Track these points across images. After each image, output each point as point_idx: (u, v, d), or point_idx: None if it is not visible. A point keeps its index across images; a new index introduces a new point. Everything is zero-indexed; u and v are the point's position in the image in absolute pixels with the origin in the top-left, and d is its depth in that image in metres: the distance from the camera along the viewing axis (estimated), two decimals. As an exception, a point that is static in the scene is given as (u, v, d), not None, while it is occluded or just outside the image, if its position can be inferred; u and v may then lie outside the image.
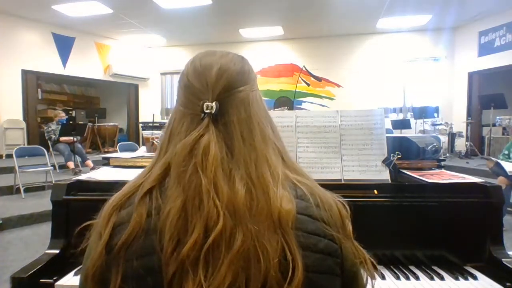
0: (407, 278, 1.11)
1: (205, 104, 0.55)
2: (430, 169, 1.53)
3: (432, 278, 1.10)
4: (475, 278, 1.10)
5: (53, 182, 4.70)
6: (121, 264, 0.51)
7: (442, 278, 1.10)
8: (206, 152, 0.52)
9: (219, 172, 0.52)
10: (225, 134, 0.56)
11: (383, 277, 1.12)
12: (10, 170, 5.31)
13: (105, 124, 9.05)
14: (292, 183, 0.57)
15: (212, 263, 0.49)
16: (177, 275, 0.49)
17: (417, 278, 1.11)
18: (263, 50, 9.09)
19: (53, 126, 6.57)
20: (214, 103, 0.55)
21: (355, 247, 0.57)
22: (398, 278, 1.11)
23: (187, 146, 0.54)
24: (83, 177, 1.40)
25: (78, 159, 6.38)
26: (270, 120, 0.63)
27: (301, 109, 8.57)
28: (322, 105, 8.98)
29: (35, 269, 1.10)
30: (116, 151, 6.73)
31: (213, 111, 0.55)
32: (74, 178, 1.38)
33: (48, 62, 7.89)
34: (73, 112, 10.39)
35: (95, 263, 0.53)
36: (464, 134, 7.64)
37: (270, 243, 0.49)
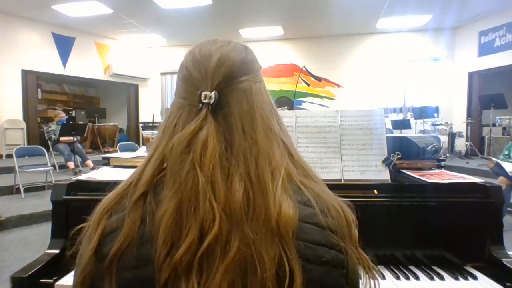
0: (407, 278, 1.11)
1: (203, 93, 0.51)
2: (430, 169, 1.53)
3: (432, 278, 1.10)
4: (475, 278, 1.10)
5: (53, 182, 4.70)
6: (114, 276, 0.48)
7: (442, 278, 1.10)
8: (205, 147, 0.48)
9: (217, 169, 0.48)
10: (225, 127, 0.52)
11: (383, 277, 1.12)
12: (10, 170, 5.32)
13: (105, 124, 9.06)
14: (297, 187, 0.52)
15: (206, 269, 0.45)
16: (170, 282, 0.45)
17: (417, 278, 1.11)
18: (263, 50, 9.08)
19: (53, 126, 6.58)
20: (213, 93, 0.51)
21: (359, 254, 0.53)
22: (398, 278, 1.11)
23: (183, 140, 0.49)
24: (83, 177, 1.40)
25: (78, 159, 6.38)
26: (276, 113, 0.59)
27: (301, 109, 8.57)
28: (322, 105, 8.98)
29: (35, 269, 1.10)
30: (116, 151, 6.73)
31: (211, 101, 0.51)
32: (74, 178, 1.38)
33: (48, 62, 7.89)
34: (73, 112, 10.40)
35: (84, 270, 0.50)
36: (464, 134, 7.64)
37: (267, 251, 0.45)
